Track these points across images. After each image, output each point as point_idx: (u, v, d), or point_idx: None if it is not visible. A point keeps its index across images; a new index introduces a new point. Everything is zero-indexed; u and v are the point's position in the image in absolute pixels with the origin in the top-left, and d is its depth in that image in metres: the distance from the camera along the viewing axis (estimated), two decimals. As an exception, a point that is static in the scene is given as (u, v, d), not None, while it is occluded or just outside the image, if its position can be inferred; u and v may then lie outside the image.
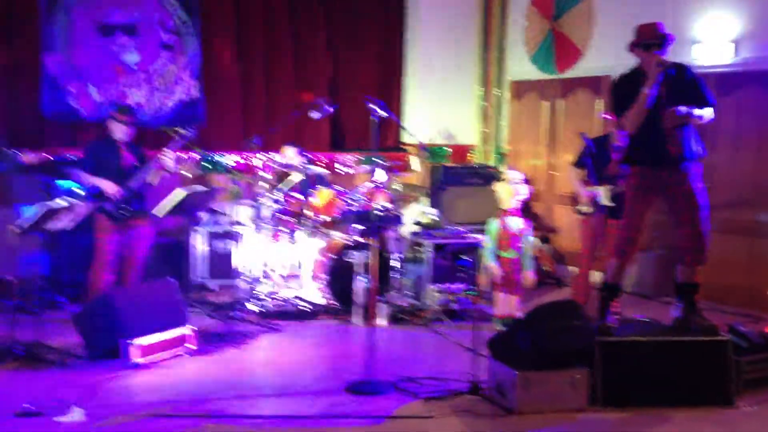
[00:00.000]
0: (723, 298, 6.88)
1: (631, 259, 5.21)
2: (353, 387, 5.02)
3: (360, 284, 6.61)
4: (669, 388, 4.82)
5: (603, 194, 6.38)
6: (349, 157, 8.96)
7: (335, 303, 6.96)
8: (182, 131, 6.35)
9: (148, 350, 5.33)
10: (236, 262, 7.30)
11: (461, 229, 7.08)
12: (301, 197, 7.21)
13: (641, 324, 5.74)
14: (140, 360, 5.28)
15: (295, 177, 7.34)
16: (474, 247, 5.04)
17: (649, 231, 5.35)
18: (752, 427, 4.57)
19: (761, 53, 7.21)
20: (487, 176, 8.42)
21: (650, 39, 4.95)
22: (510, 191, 6.44)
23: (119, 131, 6.26)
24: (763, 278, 7.26)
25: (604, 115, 6.92)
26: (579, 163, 6.85)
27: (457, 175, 8.34)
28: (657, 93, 4.90)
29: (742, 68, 7.36)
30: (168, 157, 6.30)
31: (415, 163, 8.92)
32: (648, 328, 5.52)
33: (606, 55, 8.42)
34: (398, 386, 5.04)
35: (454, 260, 4.90)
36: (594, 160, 6.48)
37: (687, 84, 5.04)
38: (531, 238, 6.61)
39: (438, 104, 9.33)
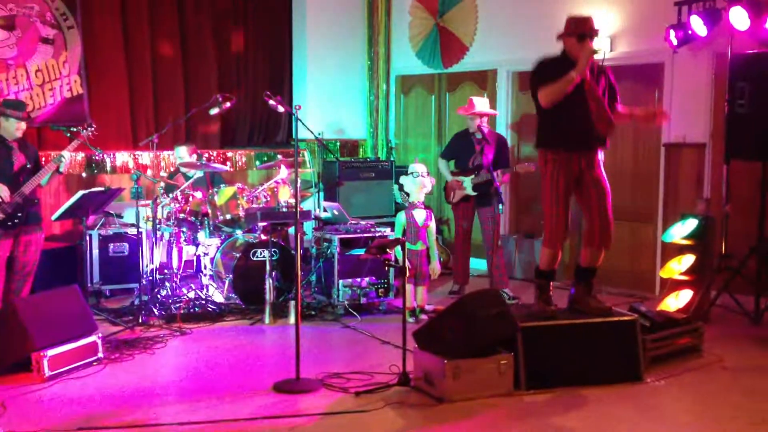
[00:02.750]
0: (608, 279, 7.29)
1: (562, 246, 5.36)
2: (281, 386, 4.97)
3: (269, 283, 6.54)
4: (585, 367, 5.07)
5: (468, 184, 7.16)
6: (241, 153, 8.81)
7: (240, 303, 6.86)
8: (83, 131, 6.06)
9: (59, 361, 5.06)
10: (134, 265, 7.02)
11: (365, 223, 7.15)
12: (200, 196, 7.04)
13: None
14: (52, 372, 5.01)
15: (194, 175, 7.15)
16: (396, 241, 5.10)
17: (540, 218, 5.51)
18: (661, 400, 4.88)
19: (636, 48, 7.68)
20: (381, 170, 8.53)
21: (587, 31, 5.15)
22: (418, 184, 6.57)
23: (13, 128, 5.80)
24: (643, 260, 7.77)
25: (459, 110, 7.45)
26: (447, 155, 7.53)
27: (352, 170, 8.37)
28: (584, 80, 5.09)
29: (618, 62, 7.79)
30: (64, 159, 5.98)
31: (308, 158, 8.91)
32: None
33: (491, 51, 8.72)
34: (326, 383, 5.05)
35: (379, 254, 4.92)
36: (460, 152, 7.23)
37: (610, 81, 5.35)
38: (434, 230, 6.77)
39: (327, 100, 9.33)
